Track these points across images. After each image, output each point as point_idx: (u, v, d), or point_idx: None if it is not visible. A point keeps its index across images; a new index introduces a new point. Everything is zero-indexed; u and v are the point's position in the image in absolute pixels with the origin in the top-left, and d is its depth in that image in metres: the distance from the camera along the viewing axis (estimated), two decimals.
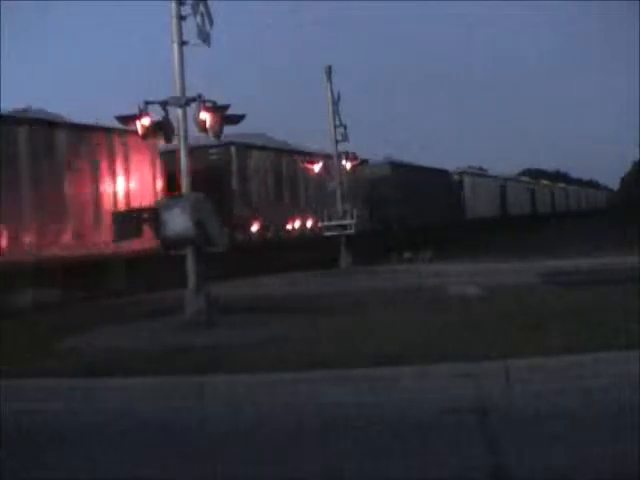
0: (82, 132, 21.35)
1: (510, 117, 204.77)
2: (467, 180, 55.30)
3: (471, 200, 54.72)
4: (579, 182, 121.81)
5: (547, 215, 78.13)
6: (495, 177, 64.49)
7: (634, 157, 77.92)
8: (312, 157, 31.26)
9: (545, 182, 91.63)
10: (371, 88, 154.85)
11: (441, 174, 51.38)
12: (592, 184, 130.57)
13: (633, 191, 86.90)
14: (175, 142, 14.08)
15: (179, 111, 13.77)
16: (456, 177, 53.95)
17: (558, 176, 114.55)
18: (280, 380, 8.82)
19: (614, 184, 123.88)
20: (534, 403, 7.73)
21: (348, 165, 30.19)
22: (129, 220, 14.23)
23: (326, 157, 30.22)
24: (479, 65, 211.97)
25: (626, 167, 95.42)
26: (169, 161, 20.00)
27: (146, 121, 13.67)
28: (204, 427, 7.66)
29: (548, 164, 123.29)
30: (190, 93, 13.72)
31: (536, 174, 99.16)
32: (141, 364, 9.73)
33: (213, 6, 13.80)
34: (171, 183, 19.98)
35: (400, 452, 6.42)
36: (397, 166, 41.89)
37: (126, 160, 22.47)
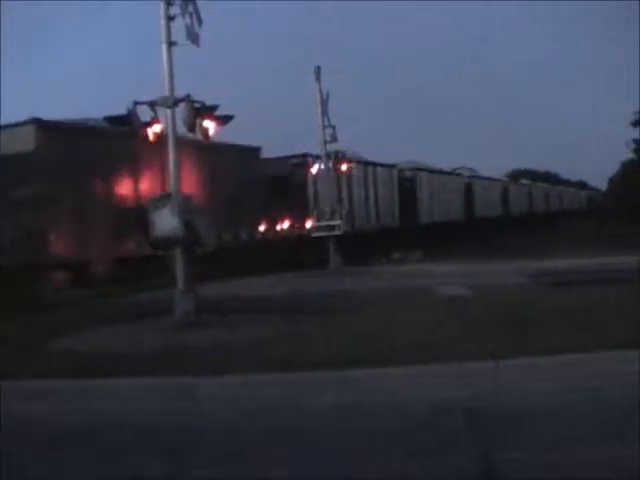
0: None
1: (502, 118, 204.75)
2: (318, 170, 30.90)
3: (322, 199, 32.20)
4: (566, 182, 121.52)
5: (488, 219, 58.35)
6: (388, 166, 43.00)
7: (623, 157, 78.18)
8: None
9: (507, 179, 76.05)
10: (359, 88, 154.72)
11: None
12: (579, 184, 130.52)
13: (620, 191, 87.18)
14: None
15: (168, 111, 13.78)
16: (294, 161, 33.39)
17: (548, 177, 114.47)
18: (270, 381, 8.82)
19: (604, 185, 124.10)
20: (524, 403, 7.76)
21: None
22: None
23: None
24: (468, 68, 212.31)
25: (615, 168, 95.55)
26: None
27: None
28: (193, 428, 7.65)
29: (540, 165, 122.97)
30: (180, 94, 13.74)
31: (524, 175, 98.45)
32: (130, 365, 9.71)
33: (202, 6, 13.82)
34: None
35: (389, 453, 6.43)
36: (49, 129, 21.03)
37: None
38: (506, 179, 76.01)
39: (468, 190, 55.33)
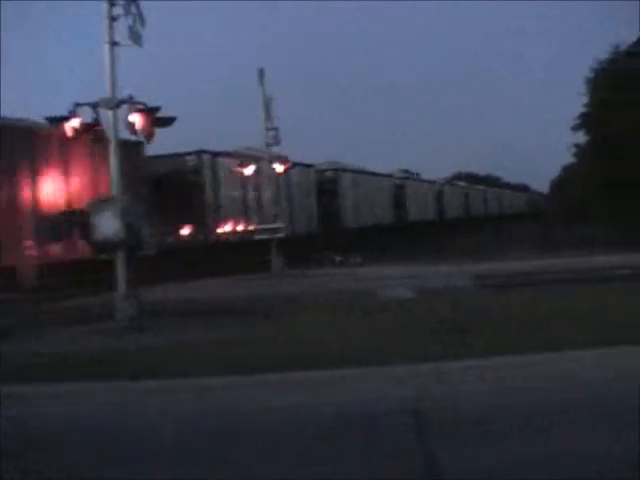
0: None
1: (444, 122, 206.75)
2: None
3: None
4: (507, 185, 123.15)
5: (422, 222, 55.91)
6: (304, 165, 39.59)
7: (565, 161, 79.61)
8: None
9: (443, 181, 73.73)
10: (299, 90, 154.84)
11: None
12: (521, 188, 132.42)
13: (560, 194, 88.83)
14: None
15: (110, 113, 13.62)
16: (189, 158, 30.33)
17: (488, 180, 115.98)
18: (209, 385, 8.78)
19: (546, 188, 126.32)
20: (465, 404, 7.82)
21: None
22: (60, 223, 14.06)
23: None
24: (410, 69, 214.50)
25: (557, 171, 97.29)
26: None
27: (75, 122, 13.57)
28: (128, 432, 7.55)
29: (482, 169, 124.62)
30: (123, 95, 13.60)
31: (465, 178, 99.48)
32: (67, 370, 9.58)
33: (145, 7, 13.72)
34: None
35: (334, 455, 6.43)
36: None
37: None
38: (442, 181, 74.44)
39: (399, 192, 52.82)
